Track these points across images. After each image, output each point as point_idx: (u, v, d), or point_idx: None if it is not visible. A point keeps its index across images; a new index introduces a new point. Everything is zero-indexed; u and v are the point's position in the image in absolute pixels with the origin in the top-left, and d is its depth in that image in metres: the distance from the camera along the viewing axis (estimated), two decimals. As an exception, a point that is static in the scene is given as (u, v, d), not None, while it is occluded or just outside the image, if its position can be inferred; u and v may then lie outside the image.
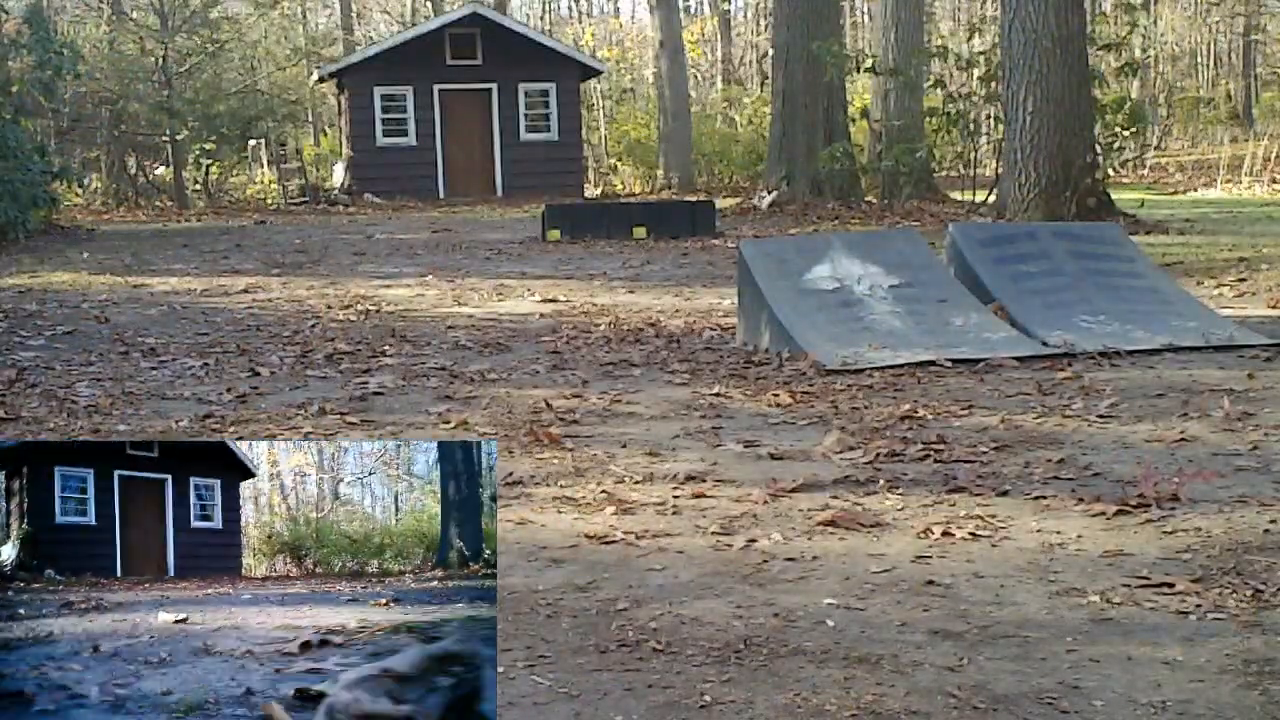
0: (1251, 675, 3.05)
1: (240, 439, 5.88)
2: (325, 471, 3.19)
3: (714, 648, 3.30)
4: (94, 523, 3.01)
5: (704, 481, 4.97)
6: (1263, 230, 14.82)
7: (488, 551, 3.00)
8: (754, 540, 4.20)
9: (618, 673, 3.16)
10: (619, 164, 32.61)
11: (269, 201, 26.91)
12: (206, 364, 8.08)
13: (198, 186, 27.53)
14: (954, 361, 7.26)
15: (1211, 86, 42.66)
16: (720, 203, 19.71)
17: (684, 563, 4.01)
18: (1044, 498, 4.60)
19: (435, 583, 2.95)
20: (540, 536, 4.31)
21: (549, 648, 3.34)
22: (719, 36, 42.45)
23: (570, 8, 50.64)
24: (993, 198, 17.26)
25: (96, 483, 3.03)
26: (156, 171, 28.53)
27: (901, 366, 7.19)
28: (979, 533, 4.21)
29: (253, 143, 28.10)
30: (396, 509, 3.08)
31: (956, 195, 20.23)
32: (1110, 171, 17.98)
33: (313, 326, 9.71)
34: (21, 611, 2.48)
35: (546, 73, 26.94)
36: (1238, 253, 12.27)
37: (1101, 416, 5.90)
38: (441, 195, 26.56)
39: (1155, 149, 32.52)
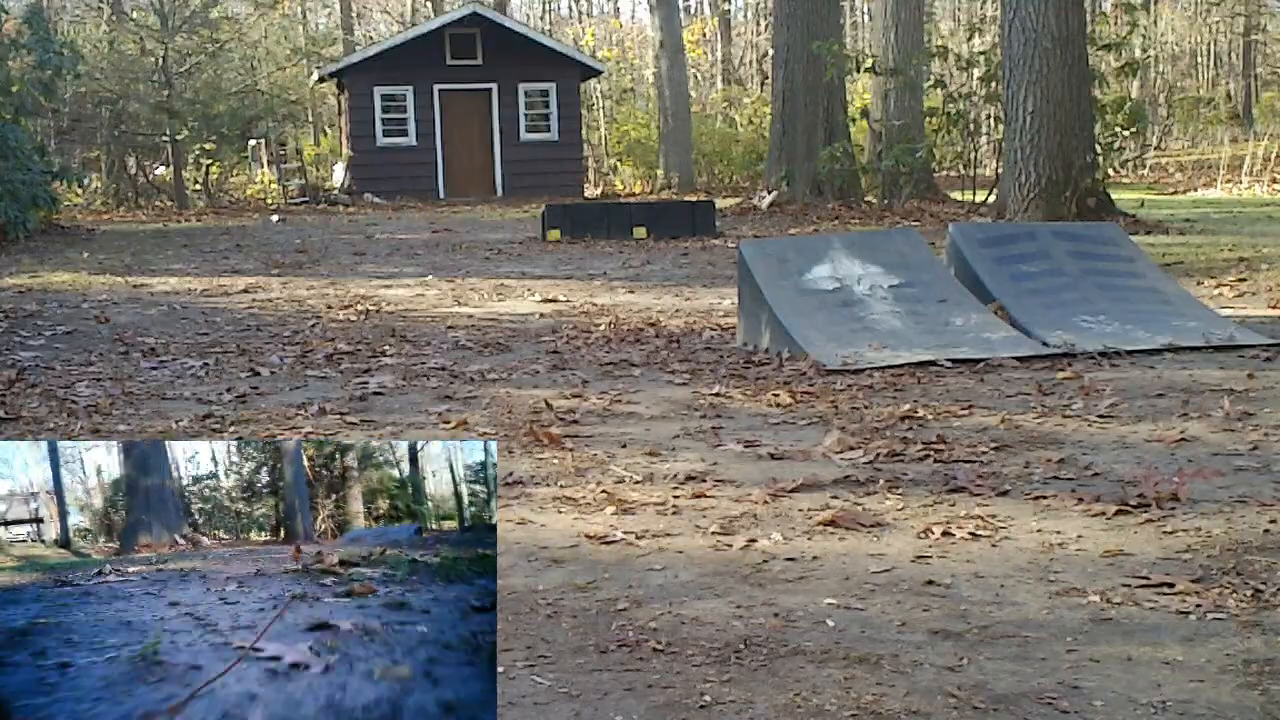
0: (1251, 675, 3.05)
1: (240, 439, 5.88)
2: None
3: (714, 648, 3.30)
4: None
5: (704, 481, 4.97)
6: (1263, 230, 14.82)
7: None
8: (754, 540, 4.20)
9: (618, 673, 3.16)
10: (619, 164, 32.60)
11: (269, 201, 26.90)
12: (206, 364, 8.08)
13: (198, 186, 27.52)
14: (954, 361, 7.26)
15: (1211, 86, 42.66)
16: (720, 203, 19.71)
17: (684, 563, 4.01)
18: (1044, 498, 4.60)
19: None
20: (540, 536, 4.31)
21: (549, 648, 3.34)
22: (719, 36, 42.45)
23: (570, 8, 50.70)
24: (993, 198, 17.27)
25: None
26: (156, 171, 28.51)
27: (901, 366, 7.19)
28: (979, 533, 4.21)
29: (253, 143, 28.08)
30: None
31: (956, 195, 20.23)
32: (1110, 171, 17.97)
33: (313, 326, 9.71)
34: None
35: (546, 73, 26.94)
36: (1238, 253, 12.27)
37: (1101, 416, 5.90)
38: (441, 195, 26.57)
39: (1155, 149, 32.53)
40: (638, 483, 4.97)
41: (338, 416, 6.39)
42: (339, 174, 28.30)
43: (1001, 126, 16.50)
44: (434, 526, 2.67)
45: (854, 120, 22.08)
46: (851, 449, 5.38)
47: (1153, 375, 6.86)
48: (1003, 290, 8.29)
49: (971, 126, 19.87)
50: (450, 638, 2.04)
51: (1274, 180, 23.47)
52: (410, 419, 6.33)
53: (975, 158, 20.15)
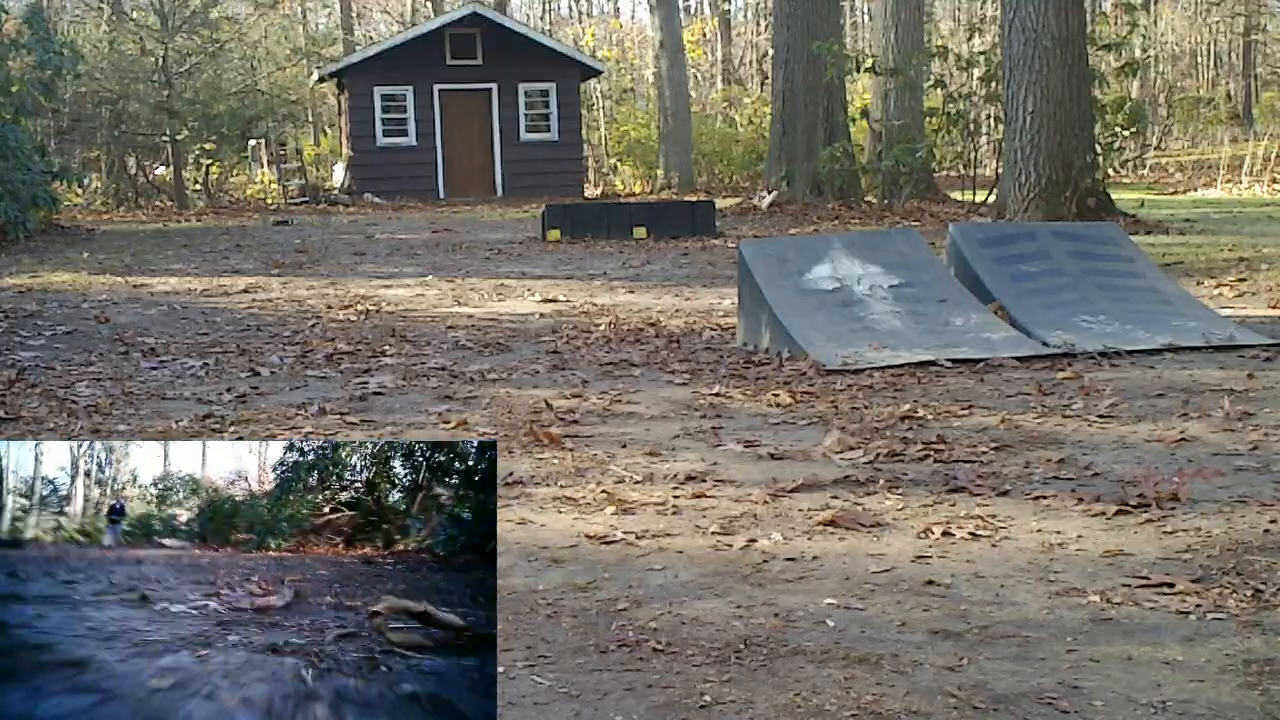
0: (1251, 675, 3.05)
1: (240, 439, 5.88)
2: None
3: (714, 648, 3.30)
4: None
5: (704, 481, 4.97)
6: (1263, 230, 14.82)
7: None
8: (754, 540, 4.20)
9: (618, 673, 3.16)
10: (619, 164, 32.60)
11: (269, 201, 26.90)
12: (206, 364, 8.08)
13: (198, 186, 27.52)
14: (954, 361, 7.26)
15: (1211, 86, 42.65)
16: (720, 203, 19.71)
17: (684, 563, 4.01)
18: (1044, 498, 4.60)
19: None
20: (540, 536, 4.31)
21: (549, 648, 3.34)
22: (719, 36, 42.45)
23: (570, 8, 50.69)
24: (993, 198, 17.26)
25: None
26: (156, 171, 28.51)
27: (901, 366, 7.19)
28: (979, 533, 4.21)
29: (253, 143, 28.08)
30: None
31: (956, 195, 20.23)
32: (1110, 171, 17.97)
33: (313, 326, 9.71)
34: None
35: (546, 73, 26.94)
36: (1238, 253, 12.27)
37: (1101, 416, 5.90)
38: (441, 195, 26.57)
39: (1155, 149, 32.52)
40: (638, 483, 4.97)
41: (338, 416, 6.39)
42: (339, 174, 28.30)
43: (1001, 126, 16.50)
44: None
45: (854, 120, 22.08)
46: (851, 449, 5.38)
47: (1153, 375, 6.86)
48: (1003, 290, 8.29)
49: (971, 126, 19.86)
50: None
51: (1274, 180, 23.47)
52: (410, 419, 6.33)
53: (975, 158, 20.14)
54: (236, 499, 2.38)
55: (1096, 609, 3.51)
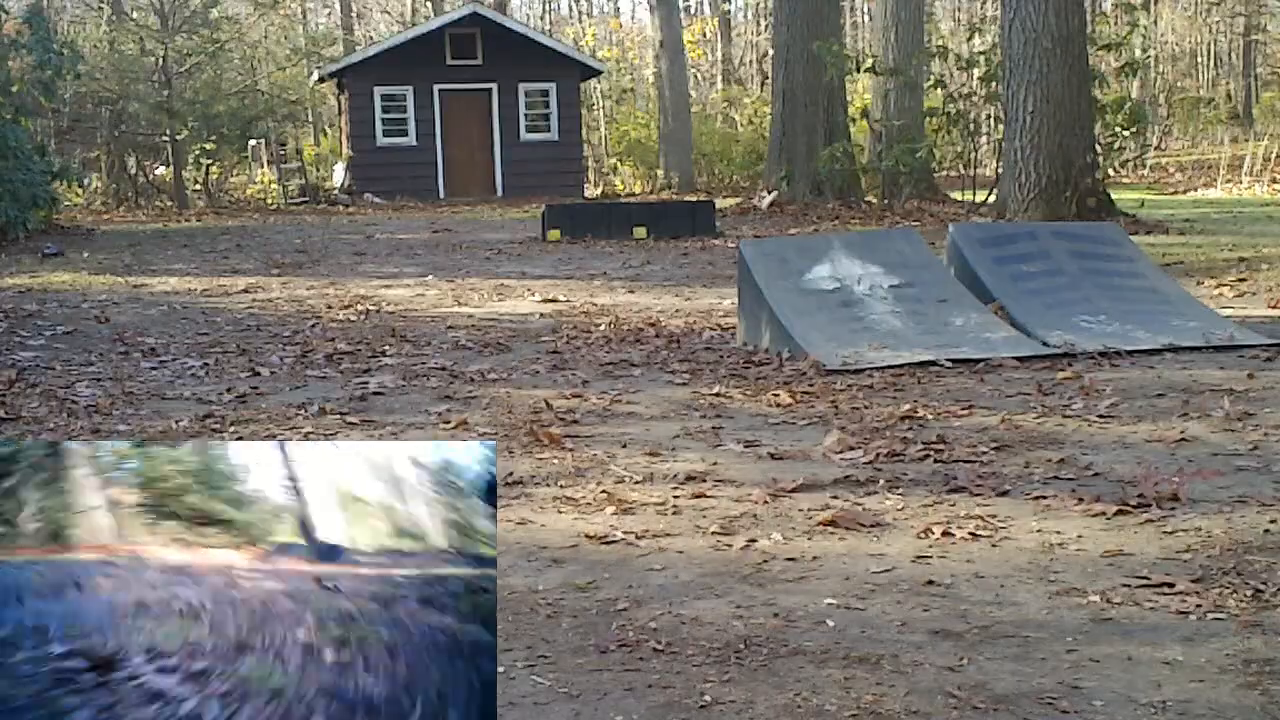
0: (1251, 675, 3.05)
1: (240, 439, 5.88)
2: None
3: (714, 648, 3.30)
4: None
5: (704, 481, 4.97)
6: (1263, 230, 14.82)
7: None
8: (754, 540, 4.20)
9: (618, 673, 3.16)
10: (619, 164, 32.60)
11: (269, 201, 26.90)
12: (206, 364, 8.08)
13: (198, 186, 27.51)
14: (954, 361, 7.26)
15: (1211, 86, 42.63)
16: (720, 203, 19.71)
17: (684, 563, 4.01)
18: (1044, 498, 4.60)
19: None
20: (540, 536, 4.31)
21: (549, 648, 3.34)
22: (719, 36, 42.44)
23: (570, 8, 50.68)
24: (993, 198, 17.26)
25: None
26: (156, 171, 28.51)
27: (901, 366, 7.19)
28: (979, 533, 4.21)
29: (253, 143, 28.08)
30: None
31: (956, 195, 20.23)
32: (1110, 171, 17.98)
33: (313, 326, 9.71)
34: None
35: (546, 73, 26.95)
36: (1238, 253, 12.27)
37: (1101, 416, 5.90)
38: (441, 195, 26.57)
39: (1155, 149, 32.50)
40: (638, 483, 4.97)
41: (338, 416, 6.39)
42: (339, 174, 28.30)
43: (1001, 126, 16.50)
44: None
45: (854, 120, 22.08)
46: (851, 449, 5.38)
47: (1153, 375, 6.86)
48: (1003, 290, 8.29)
49: (971, 126, 19.85)
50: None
51: (1274, 180, 23.46)
52: (410, 419, 6.33)
53: (975, 158, 20.13)
54: None
55: (1096, 609, 3.51)
